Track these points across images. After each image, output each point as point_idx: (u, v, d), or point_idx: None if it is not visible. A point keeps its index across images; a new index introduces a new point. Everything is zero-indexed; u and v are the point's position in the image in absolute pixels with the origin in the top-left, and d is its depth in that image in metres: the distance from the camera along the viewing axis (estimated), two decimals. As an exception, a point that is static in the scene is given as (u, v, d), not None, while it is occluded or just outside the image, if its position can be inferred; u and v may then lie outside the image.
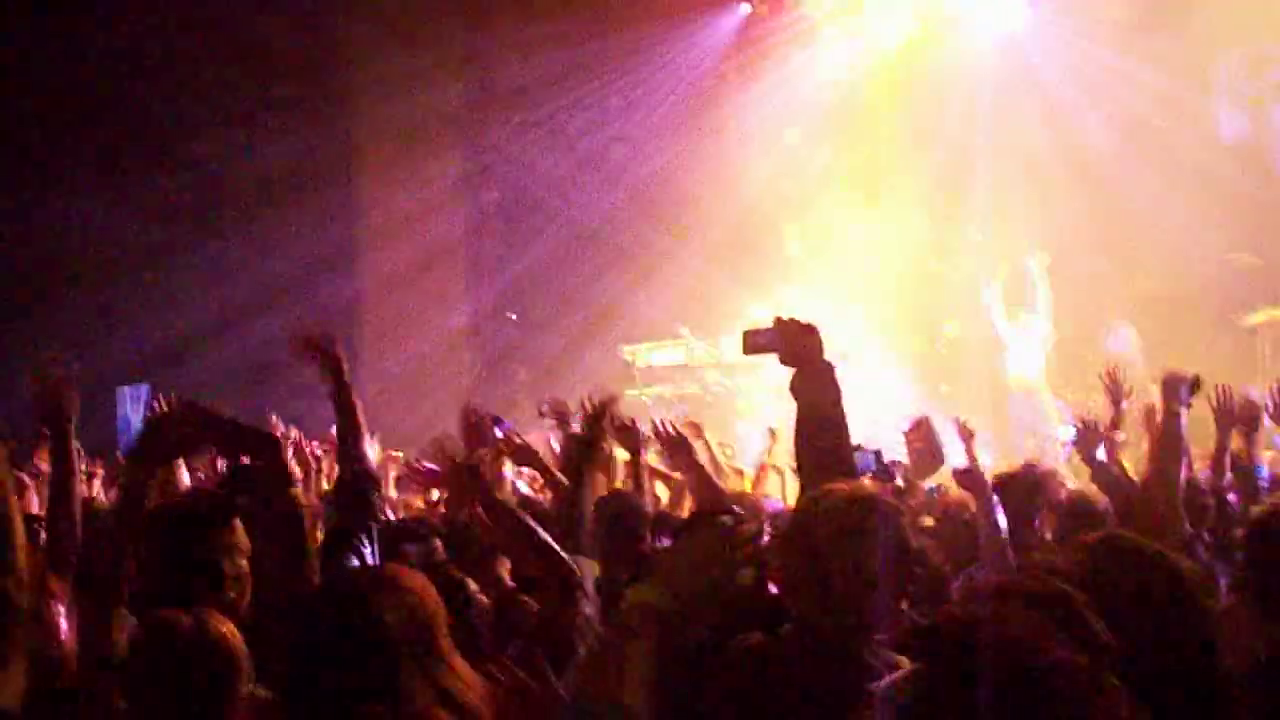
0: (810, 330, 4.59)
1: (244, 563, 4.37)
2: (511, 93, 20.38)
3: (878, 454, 5.82)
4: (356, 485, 5.46)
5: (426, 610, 3.22)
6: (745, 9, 20.20)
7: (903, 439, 8.36)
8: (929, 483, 8.48)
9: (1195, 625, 3.38)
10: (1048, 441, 15.33)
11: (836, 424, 4.55)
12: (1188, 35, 18.54)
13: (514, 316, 20.80)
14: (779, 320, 4.63)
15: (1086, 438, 7.57)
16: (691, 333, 18.16)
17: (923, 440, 7.94)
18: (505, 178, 20.54)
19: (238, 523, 4.39)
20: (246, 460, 4.38)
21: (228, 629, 3.63)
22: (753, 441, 15.98)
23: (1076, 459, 8.31)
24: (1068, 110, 18.38)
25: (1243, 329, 16.27)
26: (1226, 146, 19.35)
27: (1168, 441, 6.93)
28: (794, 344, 4.58)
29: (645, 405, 17.26)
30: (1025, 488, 6.93)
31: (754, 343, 4.72)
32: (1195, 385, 6.97)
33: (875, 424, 10.09)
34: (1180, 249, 17.73)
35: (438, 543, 6.01)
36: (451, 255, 20.05)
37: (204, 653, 3.57)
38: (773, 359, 4.70)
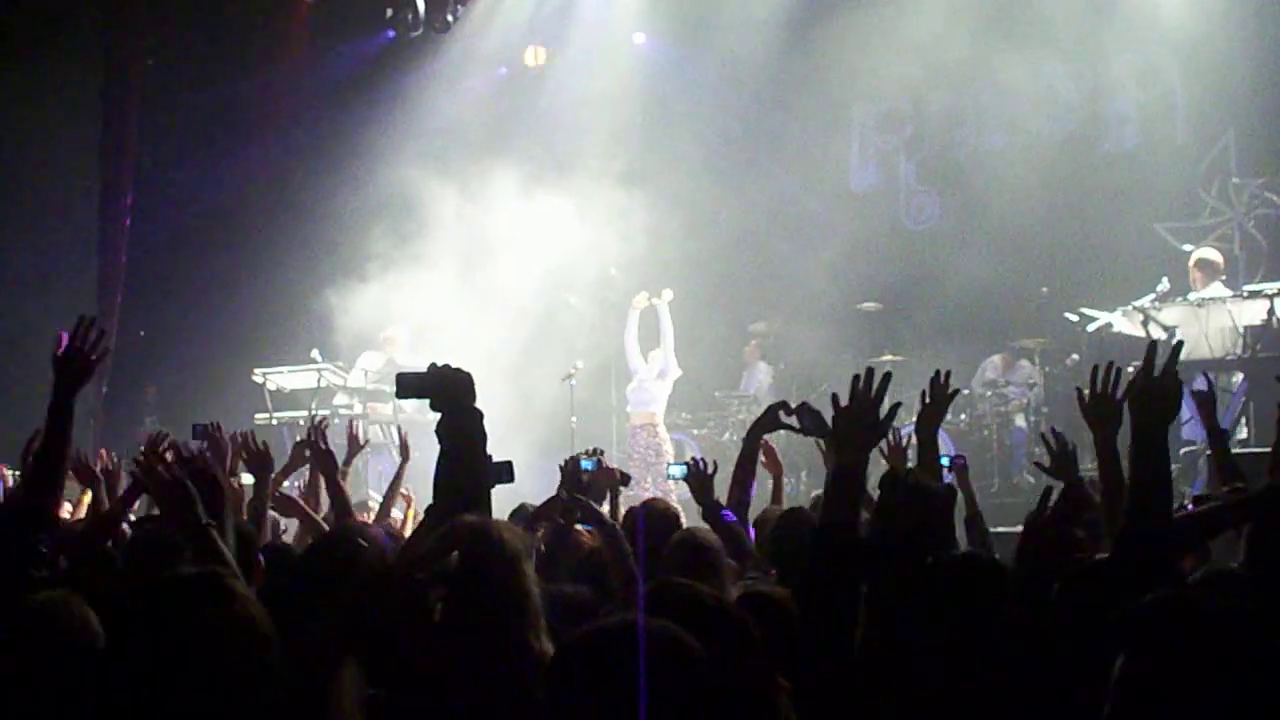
0: (461, 377, 4.71)
1: None
2: (147, 114, 19.89)
3: (507, 465, 5.71)
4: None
5: None
6: (389, 34, 20.23)
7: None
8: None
9: (744, 656, 3.50)
10: (661, 477, 15.65)
11: (480, 468, 4.68)
12: (824, 88, 19.34)
13: (143, 333, 20.27)
14: (433, 365, 4.74)
15: (698, 476, 7.68)
16: (322, 357, 17.97)
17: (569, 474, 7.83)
18: (142, 191, 20.01)
19: None
20: None
21: None
22: (381, 465, 16.08)
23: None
24: (706, 150, 18.89)
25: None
26: (856, 196, 20.26)
27: (742, 461, 7.36)
28: (445, 389, 4.69)
29: (274, 429, 17.08)
30: (658, 524, 7.02)
31: (405, 386, 4.80)
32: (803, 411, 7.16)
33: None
34: (814, 294, 18.45)
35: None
36: (81, 267, 19.47)
37: None
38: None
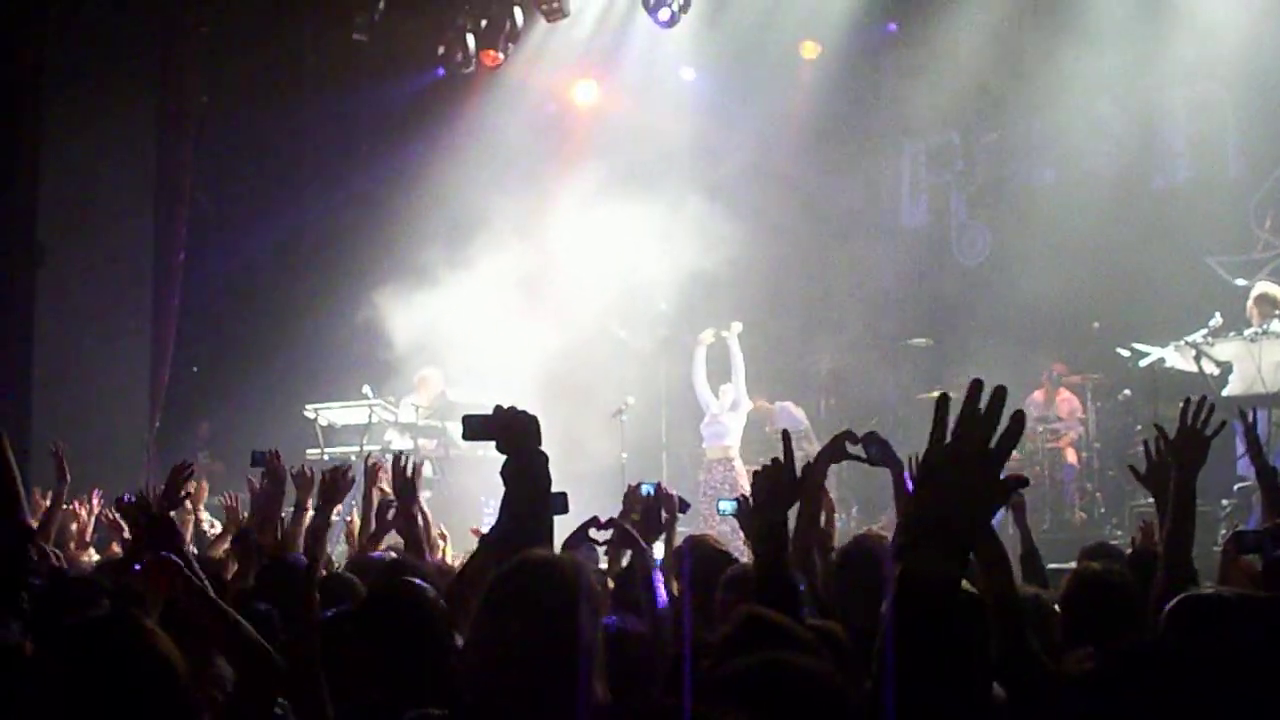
0: (527, 420, 4.65)
1: None
2: (202, 150, 20.04)
3: (562, 496, 5.68)
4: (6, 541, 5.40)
5: None
6: (439, 72, 20.35)
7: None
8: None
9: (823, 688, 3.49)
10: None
11: (544, 511, 4.63)
12: (874, 124, 19.36)
13: (196, 369, 20.40)
14: (498, 408, 4.73)
15: (747, 510, 7.59)
16: (374, 393, 18.03)
17: (639, 513, 7.83)
18: (195, 227, 20.10)
19: None
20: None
21: None
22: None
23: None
24: (755, 187, 18.82)
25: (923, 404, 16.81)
26: (907, 231, 20.24)
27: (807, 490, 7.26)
28: (511, 431, 4.64)
29: (325, 465, 17.12)
30: (707, 558, 7.01)
31: (472, 428, 4.74)
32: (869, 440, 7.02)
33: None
34: (864, 329, 18.44)
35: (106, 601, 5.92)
36: (135, 302, 19.59)
37: None
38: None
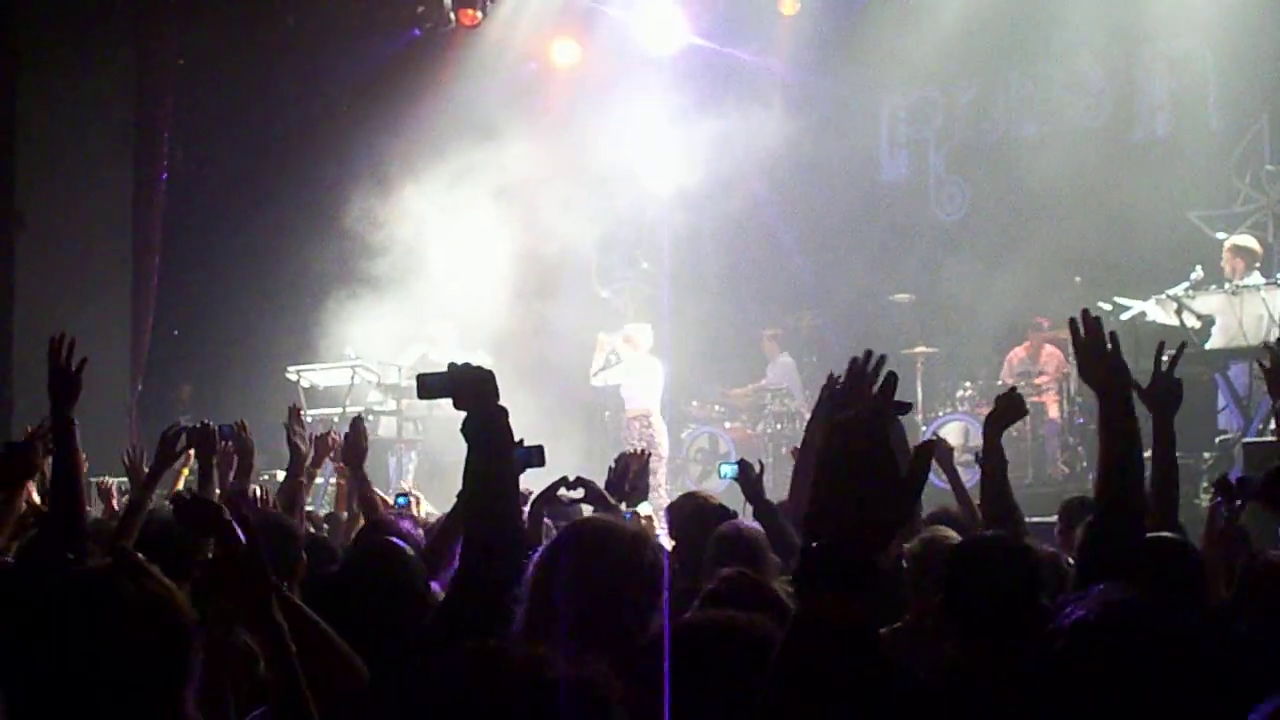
0: (483, 376, 4.62)
1: None
2: (180, 112, 19.94)
3: (539, 449, 5.74)
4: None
5: None
6: (415, 32, 20.29)
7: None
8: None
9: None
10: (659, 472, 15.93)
11: (507, 466, 4.64)
12: (853, 79, 19.30)
13: (176, 332, 20.34)
14: (452, 365, 4.70)
15: (749, 477, 7.58)
16: (356, 355, 18.01)
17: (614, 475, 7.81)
18: (174, 191, 20.02)
19: None
20: None
21: None
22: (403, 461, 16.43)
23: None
24: (733, 142, 18.74)
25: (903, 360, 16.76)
26: (886, 187, 20.24)
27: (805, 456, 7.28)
28: (467, 389, 4.61)
29: (309, 427, 17.09)
30: (695, 516, 6.94)
31: (428, 387, 4.71)
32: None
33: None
34: (845, 286, 18.45)
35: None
36: (116, 268, 19.52)
37: None
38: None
